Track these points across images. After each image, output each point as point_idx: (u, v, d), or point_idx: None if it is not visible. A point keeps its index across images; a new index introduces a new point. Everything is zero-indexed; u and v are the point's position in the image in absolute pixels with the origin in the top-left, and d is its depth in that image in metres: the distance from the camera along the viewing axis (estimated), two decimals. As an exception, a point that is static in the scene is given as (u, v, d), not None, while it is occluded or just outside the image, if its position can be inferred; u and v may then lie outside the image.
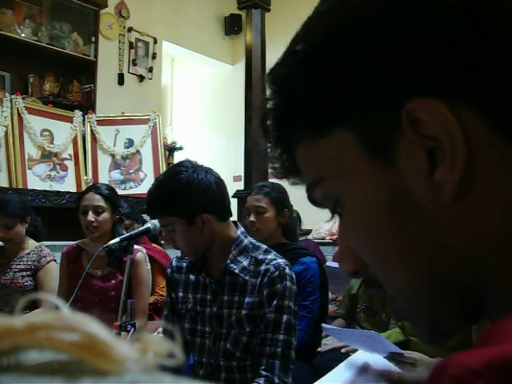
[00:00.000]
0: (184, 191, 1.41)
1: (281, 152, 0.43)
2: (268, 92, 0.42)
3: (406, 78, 0.34)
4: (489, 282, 0.35)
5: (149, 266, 2.33)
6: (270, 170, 0.45)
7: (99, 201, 2.22)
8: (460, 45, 0.33)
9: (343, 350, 2.17)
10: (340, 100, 0.37)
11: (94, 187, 2.32)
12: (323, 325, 1.66)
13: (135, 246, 2.22)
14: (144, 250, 2.34)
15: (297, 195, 2.59)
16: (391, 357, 1.67)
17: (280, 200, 2.28)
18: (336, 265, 3.16)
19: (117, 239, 1.75)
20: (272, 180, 2.70)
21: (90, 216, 2.19)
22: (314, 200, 0.44)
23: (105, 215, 2.22)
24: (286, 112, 0.40)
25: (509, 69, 0.33)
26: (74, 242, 2.36)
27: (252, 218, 2.25)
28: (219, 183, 1.48)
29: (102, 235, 2.21)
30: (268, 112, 0.42)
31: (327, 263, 3.25)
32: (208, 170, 1.48)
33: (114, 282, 2.22)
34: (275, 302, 1.43)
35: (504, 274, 0.34)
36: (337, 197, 0.41)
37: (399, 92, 0.35)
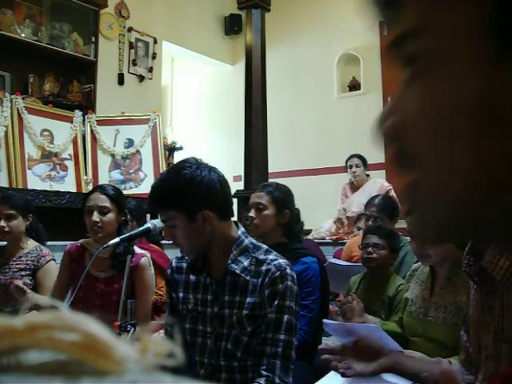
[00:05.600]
0: (186, 186, 1.42)
1: None
2: None
3: None
4: None
5: (153, 271, 2.30)
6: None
7: (105, 201, 2.19)
8: None
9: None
10: None
11: (100, 187, 2.28)
12: (324, 320, 1.67)
13: (139, 251, 2.21)
14: (148, 255, 2.29)
15: (297, 195, 2.57)
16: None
17: (281, 200, 2.29)
18: (337, 261, 3.17)
19: (117, 239, 1.75)
20: (276, 180, 2.70)
21: (95, 216, 2.16)
22: (391, 49, 0.37)
23: (110, 216, 2.20)
24: None
25: None
26: (78, 241, 2.32)
27: (251, 214, 2.29)
28: (222, 182, 1.49)
29: (106, 236, 2.16)
30: None
31: (330, 260, 3.26)
32: (212, 168, 1.49)
33: (116, 286, 2.17)
34: (276, 302, 1.44)
35: None
36: (423, 60, 0.35)
37: None
